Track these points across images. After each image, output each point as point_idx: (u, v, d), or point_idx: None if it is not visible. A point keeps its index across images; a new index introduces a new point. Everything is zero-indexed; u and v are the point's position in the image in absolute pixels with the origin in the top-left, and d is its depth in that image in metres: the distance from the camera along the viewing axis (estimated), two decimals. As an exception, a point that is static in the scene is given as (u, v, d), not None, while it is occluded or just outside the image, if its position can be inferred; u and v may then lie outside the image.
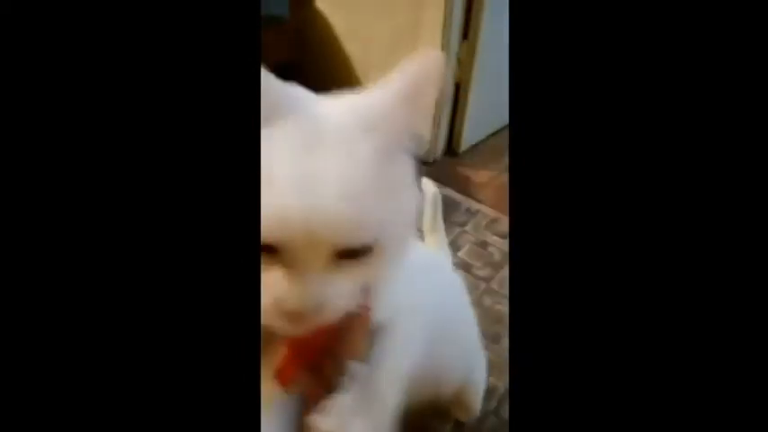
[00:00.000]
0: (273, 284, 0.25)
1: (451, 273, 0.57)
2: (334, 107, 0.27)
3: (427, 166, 1.25)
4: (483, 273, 1.03)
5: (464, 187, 1.26)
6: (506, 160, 1.32)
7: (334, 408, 0.29)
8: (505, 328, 0.92)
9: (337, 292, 0.26)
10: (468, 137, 1.40)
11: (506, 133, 1.28)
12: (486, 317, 0.89)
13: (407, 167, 0.27)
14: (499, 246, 1.10)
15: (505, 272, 1.04)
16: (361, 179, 0.24)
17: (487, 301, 0.97)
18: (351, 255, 0.25)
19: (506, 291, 0.99)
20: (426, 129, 0.29)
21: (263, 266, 0.25)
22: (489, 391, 0.73)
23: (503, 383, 0.81)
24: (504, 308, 0.96)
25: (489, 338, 0.81)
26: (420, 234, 0.62)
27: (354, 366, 0.31)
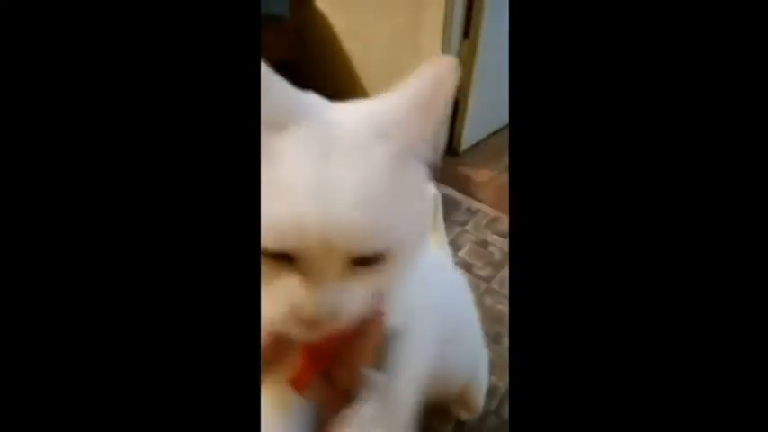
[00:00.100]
0: (290, 292, 0.25)
1: (455, 272, 0.57)
2: (348, 113, 0.27)
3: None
4: (483, 272, 1.03)
5: (464, 186, 1.26)
6: (507, 160, 1.32)
7: (356, 419, 0.29)
8: (506, 327, 0.92)
9: (352, 299, 0.26)
10: (469, 136, 1.40)
11: (507, 133, 1.29)
12: (486, 317, 0.89)
13: (420, 174, 0.27)
14: (500, 245, 1.10)
15: (506, 271, 1.04)
16: (377, 186, 0.24)
17: (488, 300, 0.97)
18: (365, 262, 0.25)
19: (507, 290, 0.99)
20: (440, 134, 0.28)
21: (278, 274, 0.25)
22: (490, 391, 0.74)
23: (504, 383, 0.81)
24: (504, 308, 0.96)
25: (490, 338, 0.81)
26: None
27: (373, 375, 0.31)
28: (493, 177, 1.31)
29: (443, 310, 0.40)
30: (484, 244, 1.11)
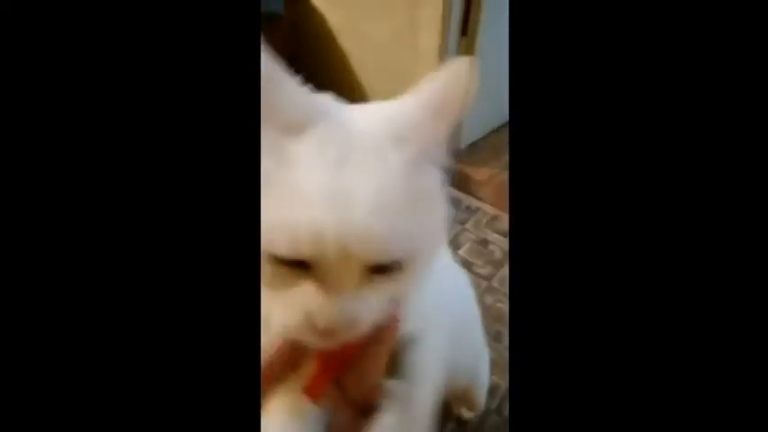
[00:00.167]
0: (305, 300, 0.24)
1: (459, 270, 0.57)
2: (364, 116, 0.26)
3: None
4: (484, 271, 1.03)
5: (464, 185, 1.26)
6: (506, 158, 1.32)
7: (378, 430, 0.29)
8: (507, 326, 0.92)
9: (369, 308, 0.25)
10: (468, 134, 1.40)
11: (506, 131, 1.29)
12: (487, 315, 0.89)
13: (437, 179, 0.27)
14: (500, 244, 1.10)
15: (506, 270, 1.04)
16: (394, 193, 0.23)
17: (489, 299, 0.97)
18: (382, 270, 0.24)
19: (507, 289, 0.99)
20: (454, 137, 0.28)
21: (293, 281, 0.24)
22: (491, 390, 0.74)
23: (504, 382, 0.81)
24: (505, 306, 0.96)
25: (491, 337, 0.81)
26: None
27: (393, 385, 0.31)
28: (493, 176, 1.31)
29: (450, 309, 0.40)
30: (484, 242, 1.11)
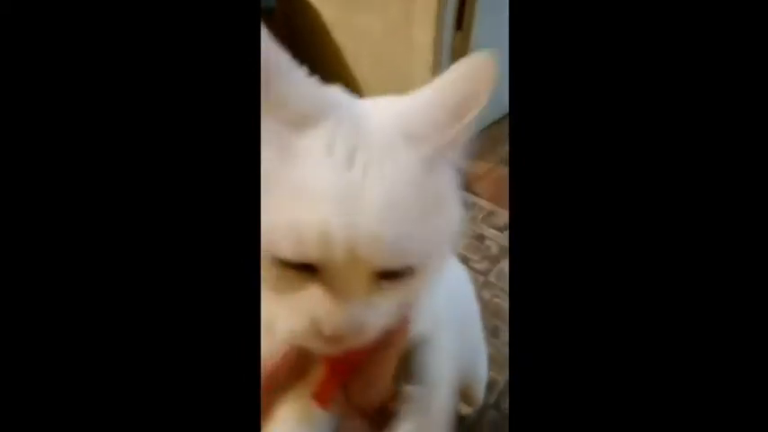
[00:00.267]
0: (312, 305, 0.23)
1: (458, 266, 0.57)
2: (375, 111, 0.25)
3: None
4: (480, 266, 1.03)
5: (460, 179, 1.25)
6: (502, 152, 1.31)
7: None
8: (504, 321, 0.92)
9: (378, 314, 0.24)
10: (463, 129, 1.40)
11: (501, 124, 1.28)
12: (484, 310, 0.89)
13: (451, 180, 0.25)
14: (496, 239, 1.10)
15: (503, 265, 1.04)
16: (406, 195, 0.22)
17: (486, 294, 0.97)
18: (393, 275, 0.23)
19: (504, 284, 0.99)
20: (472, 139, 0.27)
21: (299, 284, 0.23)
22: (489, 385, 0.74)
23: (502, 377, 0.81)
24: (502, 301, 0.96)
25: (489, 332, 0.81)
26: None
27: (410, 390, 0.30)
28: (489, 170, 1.31)
29: (455, 306, 0.40)
30: (480, 238, 1.10)
